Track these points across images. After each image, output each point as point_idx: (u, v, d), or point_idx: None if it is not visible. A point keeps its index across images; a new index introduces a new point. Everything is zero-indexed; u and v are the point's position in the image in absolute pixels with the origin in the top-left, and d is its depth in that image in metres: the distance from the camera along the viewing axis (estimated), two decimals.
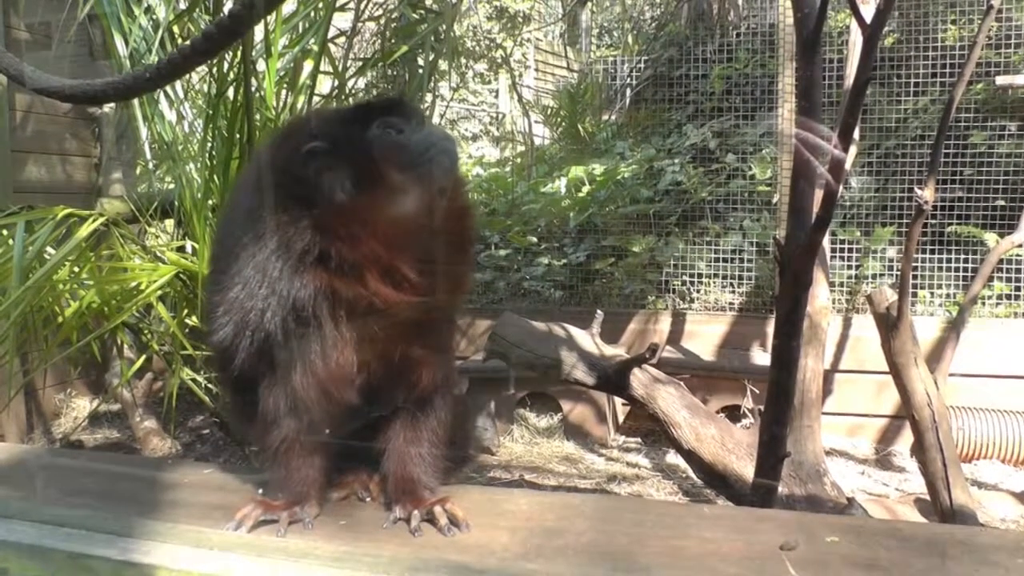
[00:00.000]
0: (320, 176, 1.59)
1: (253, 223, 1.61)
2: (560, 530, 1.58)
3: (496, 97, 13.68)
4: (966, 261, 6.72)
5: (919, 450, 4.42)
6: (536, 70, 13.30)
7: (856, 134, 5.57)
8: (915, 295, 6.65)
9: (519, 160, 10.79)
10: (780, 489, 3.71)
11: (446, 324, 1.89)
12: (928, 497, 4.46)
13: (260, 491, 1.75)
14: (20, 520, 1.48)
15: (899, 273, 6.60)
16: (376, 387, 1.72)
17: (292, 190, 1.59)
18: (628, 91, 9.43)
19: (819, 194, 2.89)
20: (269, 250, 1.58)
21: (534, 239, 8.14)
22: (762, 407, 4.68)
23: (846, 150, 2.68)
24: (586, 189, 8.24)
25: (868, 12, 2.63)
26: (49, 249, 4.39)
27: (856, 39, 5.19)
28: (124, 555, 1.35)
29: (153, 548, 1.37)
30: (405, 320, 1.65)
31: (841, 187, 3.42)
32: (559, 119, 10.63)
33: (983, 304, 6.64)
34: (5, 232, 4.39)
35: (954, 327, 5.04)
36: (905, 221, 6.87)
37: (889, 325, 4.38)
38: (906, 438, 6.25)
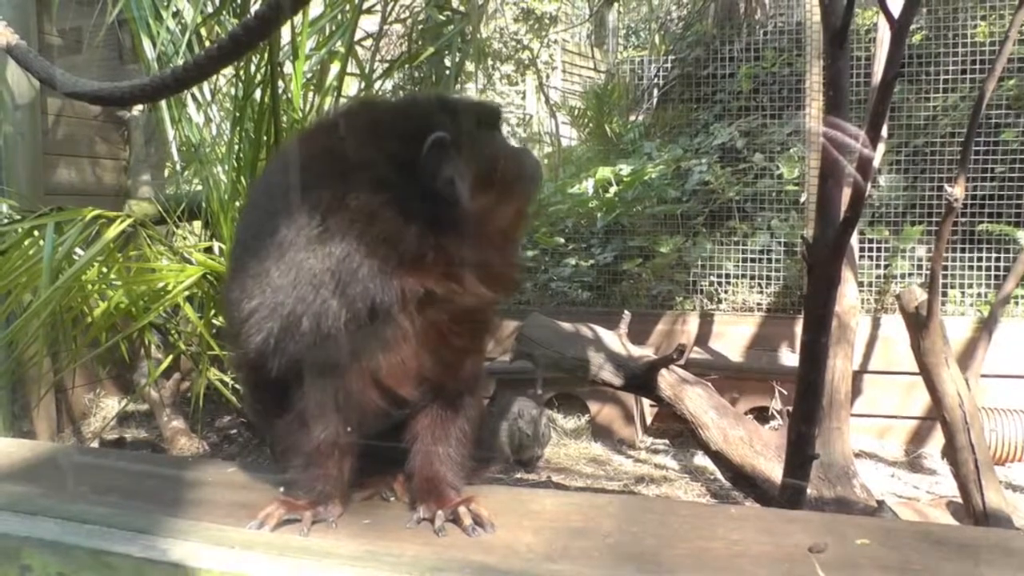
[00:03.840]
0: (440, 169, 1.53)
1: (313, 214, 1.51)
2: (586, 531, 1.56)
3: (524, 99, 13.66)
4: (998, 260, 6.63)
5: (951, 452, 4.35)
6: (563, 71, 13.27)
7: (884, 132, 5.52)
8: (945, 294, 6.55)
9: (546, 161, 10.78)
10: (809, 491, 3.67)
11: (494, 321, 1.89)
12: (961, 500, 4.40)
13: (282, 490, 1.74)
14: (44, 516, 1.48)
15: (929, 272, 6.53)
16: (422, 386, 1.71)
17: (398, 181, 1.53)
18: (655, 91, 9.39)
19: (847, 192, 2.86)
20: (348, 246, 1.48)
21: (561, 240, 8.13)
22: (791, 408, 4.64)
23: (874, 147, 2.65)
24: (613, 190, 8.21)
25: (896, 6, 2.59)
26: (78, 250, 4.42)
27: (884, 36, 5.13)
28: (145, 552, 1.35)
29: (174, 546, 1.36)
30: (470, 318, 1.66)
31: (870, 185, 3.38)
32: (586, 120, 10.60)
33: (1016, 304, 6.54)
34: (36, 233, 4.43)
35: (986, 327, 4.96)
36: (934, 220, 6.79)
37: (919, 325, 4.32)
38: (937, 440, 6.17)
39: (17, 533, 1.43)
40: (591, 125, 10.44)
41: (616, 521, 1.60)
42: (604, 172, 8.38)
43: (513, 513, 1.64)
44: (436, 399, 1.73)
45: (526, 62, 13.07)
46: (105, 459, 2.42)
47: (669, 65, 9.31)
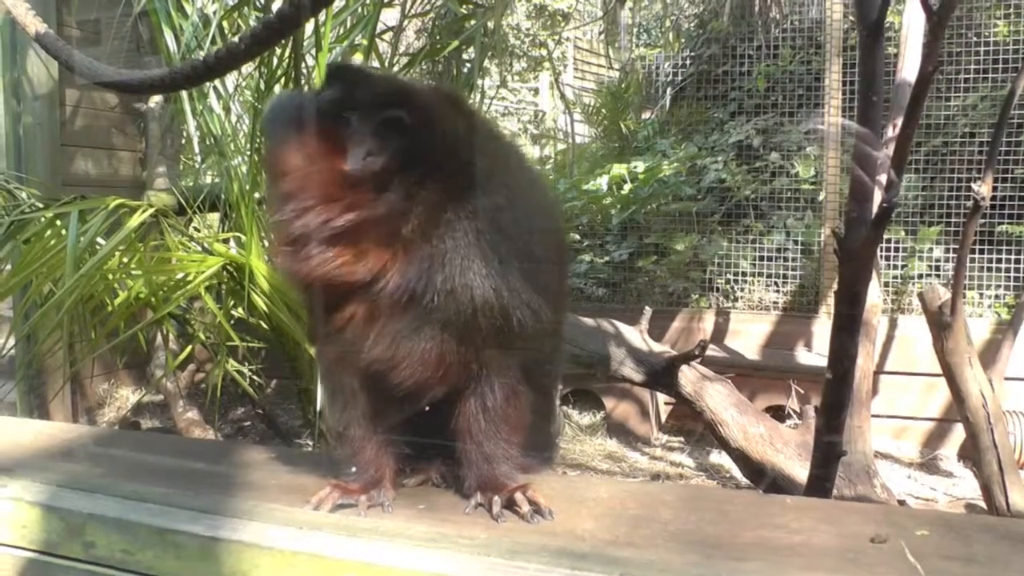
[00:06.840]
0: None
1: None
2: (645, 518, 1.54)
3: (536, 95, 13.64)
4: (1017, 262, 6.60)
5: (974, 452, 4.34)
6: (575, 68, 13.24)
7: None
8: (964, 296, 6.52)
9: (559, 158, 10.75)
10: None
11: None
12: (980, 503, 4.38)
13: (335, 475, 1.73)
14: (104, 495, 1.47)
15: (946, 273, 6.51)
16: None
17: None
18: (669, 89, 9.36)
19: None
20: None
21: (576, 236, 8.11)
22: (808, 407, 4.63)
23: (911, 138, 2.62)
24: (628, 187, 8.18)
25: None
26: (99, 239, 4.41)
27: (908, 34, 5.11)
28: (211, 531, 1.34)
29: (240, 526, 1.35)
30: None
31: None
32: (600, 117, 10.57)
33: None
34: (59, 223, 4.42)
35: (1011, 327, 4.94)
36: (952, 220, 6.79)
37: (942, 324, 4.31)
38: (953, 442, 6.15)
39: (81, 510, 1.42)
40: (605, 122, 10.41)
41: (673, 509, 1.59)
42: (619, 169, 8.35)
43: (568, 500, 1.62)
44: (476, 385, 1.67)
45: (539, 59, 13.05)
46: (143, 441, 2.41)
47: (688, 62, 9.24)
